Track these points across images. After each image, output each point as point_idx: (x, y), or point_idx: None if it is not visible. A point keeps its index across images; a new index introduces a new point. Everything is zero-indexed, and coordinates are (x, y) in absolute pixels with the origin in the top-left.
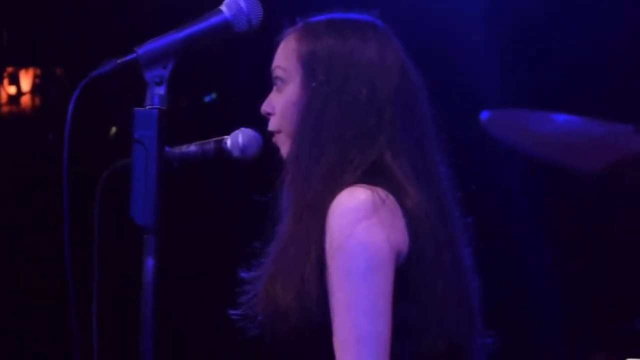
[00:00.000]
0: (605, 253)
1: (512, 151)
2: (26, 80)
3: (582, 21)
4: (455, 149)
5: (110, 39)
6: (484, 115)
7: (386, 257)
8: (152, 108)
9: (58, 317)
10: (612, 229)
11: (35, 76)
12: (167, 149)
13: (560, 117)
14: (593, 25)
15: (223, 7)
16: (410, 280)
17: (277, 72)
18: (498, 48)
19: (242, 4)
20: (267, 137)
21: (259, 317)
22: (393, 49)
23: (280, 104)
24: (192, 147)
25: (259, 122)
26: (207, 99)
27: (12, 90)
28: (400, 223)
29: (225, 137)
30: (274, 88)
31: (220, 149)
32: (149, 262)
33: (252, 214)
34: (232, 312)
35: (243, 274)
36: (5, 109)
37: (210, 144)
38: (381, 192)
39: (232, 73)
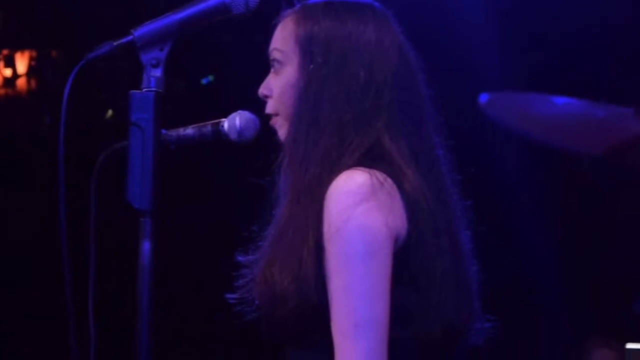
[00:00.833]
0: (605, 237)
1: (512, 134)
2: (22, 63)
3: (583, 2)
4: (454, 131)
5: (107, 21)
6: (483, 98)
7: (384, 241)
8: (148, 90)
9: (54, 302)
10: (613, 212)
11: (31, 59)
12: (163, 131)
13: (560, 100)
14: (594, 7)
15: None
16: (408, 264)
17: (275, 55)
18: (497, 30)
19: None
20: (264, 119)
21: (256, 301)
22: (391, 32)
23: (278, 87)
24: (189, 130)
25: (257, 105)
26: (204, 81)
27: (7, 72)
28: (398, 206)
29: (223, 119)
30: (272, 70)
31: (218, 131)
32: (146, 246)
33: (250, 197)
34: (229, 296)
35: (240, 258)
36: (0, 91)
37: (207, 126)
38: (379, 175)
39: (229, 55)
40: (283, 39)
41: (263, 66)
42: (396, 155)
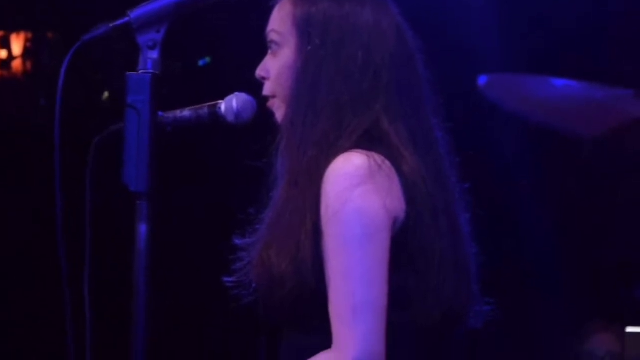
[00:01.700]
0: (605, 220)
1: (511, 116)
2: (17, 45)
3: None
4: (452, 114)
5: (103, 3)
6: (482, 80)
7: (382, 224)
8: (145, 72)
9: (49, 284)
10: (613, 196)
11: (26, 40)
12: (160, 113)
13: (560, 82)
14: None
15: None
16: (407, 246)
17: (272, 36)
18: (497, 12)
19: None
20: (262, 101)
21: (253, 284)
22: (389, 13)
23: (275, 68)
24: (186, 112)
25: (254, 87)
26: (201, 63)
27: (3, 54)
28: (396, 189)
29: (220, 101)
30: (269, 52)
31: (215, 113)
32: (142, 229)
33: (247, 179)
34: (226, 279)
35: (237, 241)
36: None
37: (204, 108)
38: (377, 157)
39: (226, 37)
40: (280, 20)
41: (260, 47)
42: (394, 137)
